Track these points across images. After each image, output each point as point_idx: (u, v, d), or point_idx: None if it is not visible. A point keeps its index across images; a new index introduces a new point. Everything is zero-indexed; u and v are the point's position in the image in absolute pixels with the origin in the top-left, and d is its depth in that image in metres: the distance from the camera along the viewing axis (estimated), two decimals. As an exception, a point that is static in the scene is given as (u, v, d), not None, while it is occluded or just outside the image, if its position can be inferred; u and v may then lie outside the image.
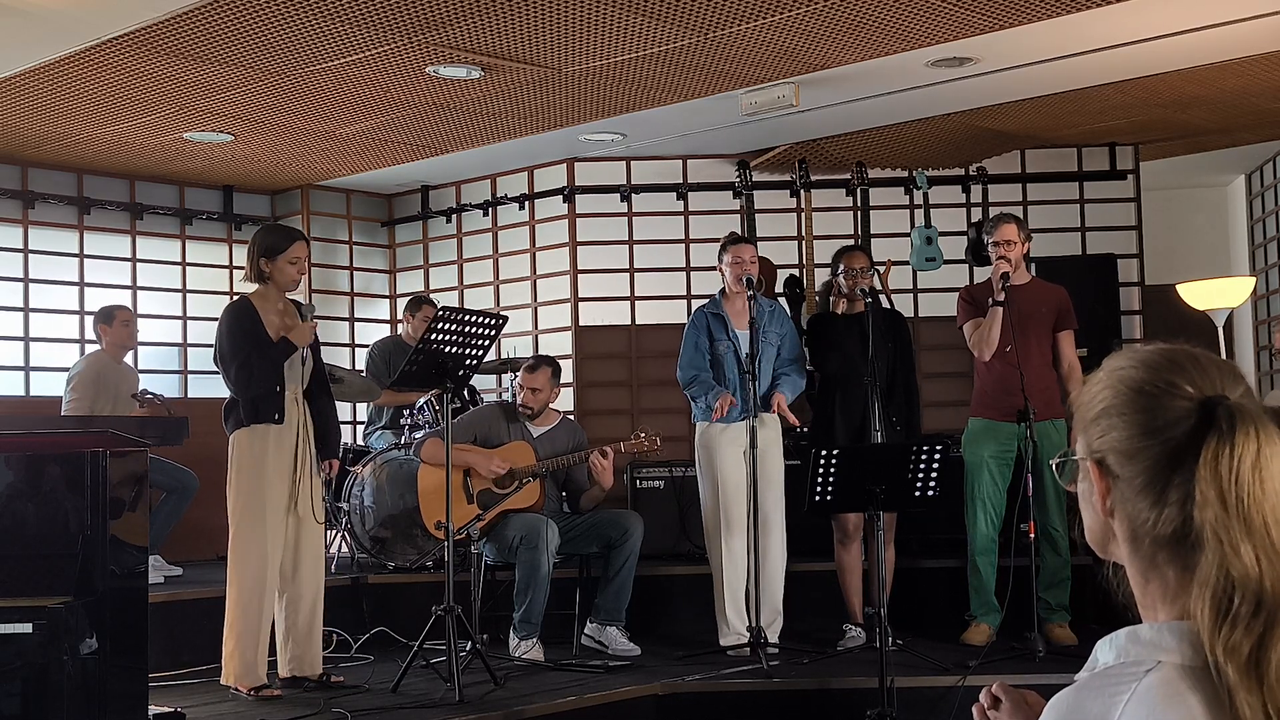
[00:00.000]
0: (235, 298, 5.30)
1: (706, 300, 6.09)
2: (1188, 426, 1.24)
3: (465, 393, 6.88)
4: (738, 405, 5.73)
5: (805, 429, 6.36)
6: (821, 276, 6.88)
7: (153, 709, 4.42)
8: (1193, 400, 1.26)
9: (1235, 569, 1.18)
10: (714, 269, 6.07)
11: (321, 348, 5.53)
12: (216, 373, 5.32)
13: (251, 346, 5.07)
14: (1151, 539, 1.26)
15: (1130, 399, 1.29)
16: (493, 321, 5.32)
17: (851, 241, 6.96)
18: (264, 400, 5.09)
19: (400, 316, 8.06)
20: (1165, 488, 1.25)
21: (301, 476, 5.15)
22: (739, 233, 6.84)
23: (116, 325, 6.95)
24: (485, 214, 8.43)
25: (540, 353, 6.77)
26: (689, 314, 7.56)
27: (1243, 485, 1.20)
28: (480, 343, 5.29)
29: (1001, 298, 5.68)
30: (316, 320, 5.33)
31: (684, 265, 7.98)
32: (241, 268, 8.11)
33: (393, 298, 8.97)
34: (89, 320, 7.64)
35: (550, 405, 6.13)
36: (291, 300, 5.30)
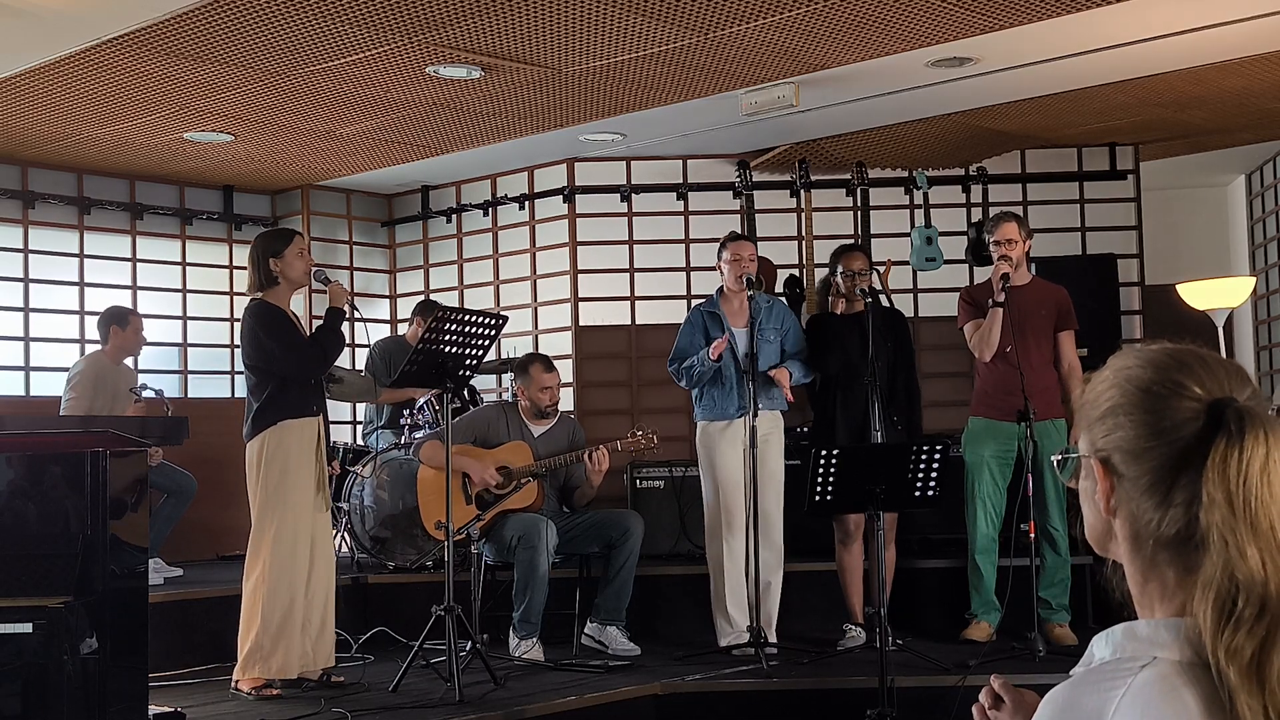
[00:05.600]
0: (251, 300, 5.27)
1: (704, 300, 6.08)
2: (1195, 428, 1.24)
3: (465, 393, 6.88)
4: (724, 349, 5.72)
5: (805, 429, 6.36)
6: (822, 276, 6.87)
7: (153, 709, 4.42)
8: (1201, 401, 1.25)
9: (1241, 571, 1.18)
10: (714, 269, 6.06)
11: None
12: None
13: (292, 336, 5.10)
14: (1154, 540, 1.26)
15: (1137, 399, 1.28)
16: (493, 321, 5.33)
17: (851, 241, 6.96)
18: (301, 392, 5.11)
19: (405, 317, 8.05)
20: (1171, 489, 1.24)
21: (320, 470, 5.17)
22: (739, 232, 6.84)
23: (129, 331, 6.89)
24: (485, 214, 8.43)
25: (533, 352, 6.74)
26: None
27: (1251, 488, 1.19)
28: (480, 343, 5.29)
29: (1001, 299, 5.68)
30: (330, 281, 5.38)
31: (684, 265, 7.98)
32: (242, 268, 8.19)
33: (393, 298, 8.97)
34: (89, 320, 7.63)
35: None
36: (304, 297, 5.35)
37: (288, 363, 5.12)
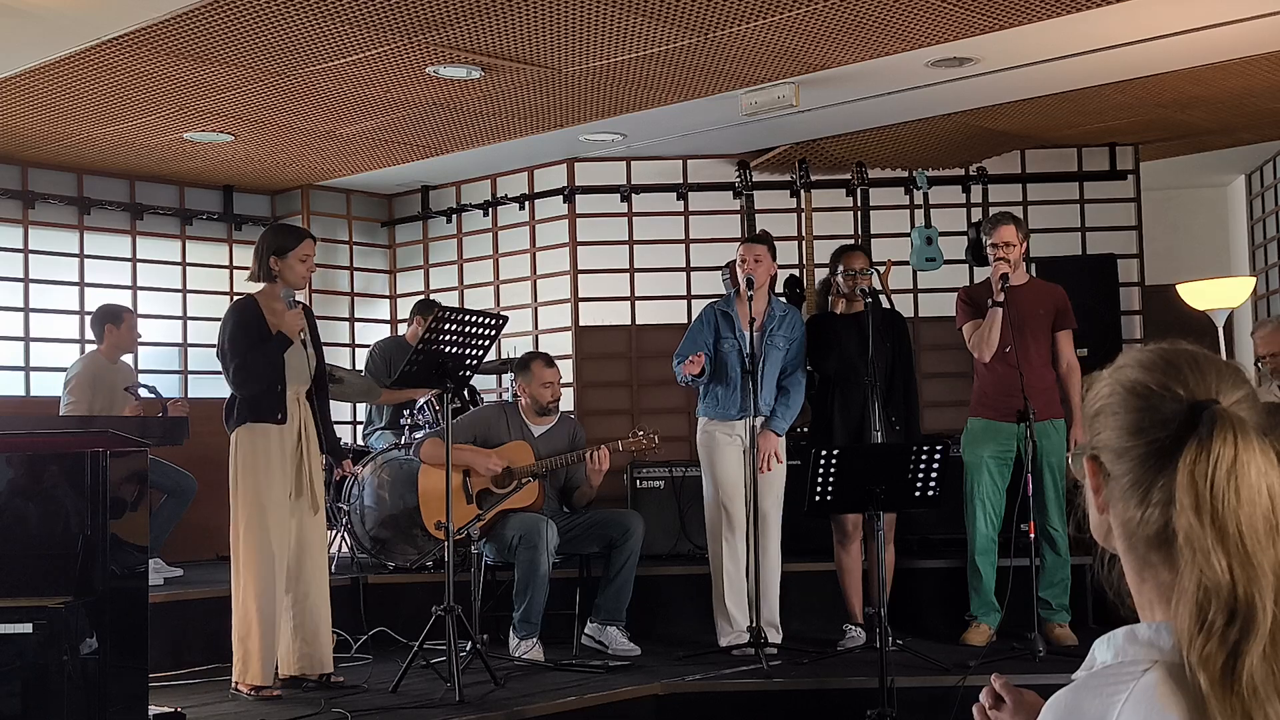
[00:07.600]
0: (240, 296, 5.28)
1: (718, 299, 6.08)
2: (1173, 429, 1.24)
3: (465, 393, 6.88)
4: (705, 365, 5.71)
5: (804, 429, 6.36)
6: (822, 276, 6.87)
7: (153, 709, 4.42)
8: (1182, 403, 1.25)
9: (1208, 578, 1.17)
10: (714, 269, 6.07)
11: (324, 347, 5.55)
12: (217, 372, 5.34)
13: (250, 345, 5.09)
14: (1142, 539, 1.26)
15: (1124, 399, 1.29)
16: (493, 322, 5.33)
17: (851, 241, 6.96)
18: (265, 398, 5.10)
19: (405, 317, 8.04)
20: (1149, 489, 1.24)
21: (303, 473, 5.15)
22: (742, 234, 6.84)
23: (124, 328, 6.88)
24: (485, 214, 8.42)
25: (533, 350, 6.74)
26: (689, 314, 7.58)
27: (1217, 492, 1.18)
28: (480, 343, 5.29)
29: (1001, 299, 5.68)
30: (300, 304, 5.30)
31: (684, 265, 7.97)
32: (242, 267, 8.19)
33: (393, 298, 8.97)
34: (89, 320, 7.63)
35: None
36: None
37: (230, 371, 5.14)
